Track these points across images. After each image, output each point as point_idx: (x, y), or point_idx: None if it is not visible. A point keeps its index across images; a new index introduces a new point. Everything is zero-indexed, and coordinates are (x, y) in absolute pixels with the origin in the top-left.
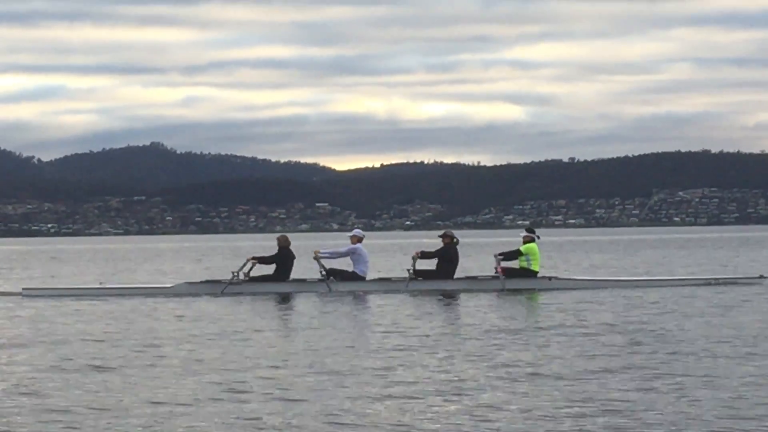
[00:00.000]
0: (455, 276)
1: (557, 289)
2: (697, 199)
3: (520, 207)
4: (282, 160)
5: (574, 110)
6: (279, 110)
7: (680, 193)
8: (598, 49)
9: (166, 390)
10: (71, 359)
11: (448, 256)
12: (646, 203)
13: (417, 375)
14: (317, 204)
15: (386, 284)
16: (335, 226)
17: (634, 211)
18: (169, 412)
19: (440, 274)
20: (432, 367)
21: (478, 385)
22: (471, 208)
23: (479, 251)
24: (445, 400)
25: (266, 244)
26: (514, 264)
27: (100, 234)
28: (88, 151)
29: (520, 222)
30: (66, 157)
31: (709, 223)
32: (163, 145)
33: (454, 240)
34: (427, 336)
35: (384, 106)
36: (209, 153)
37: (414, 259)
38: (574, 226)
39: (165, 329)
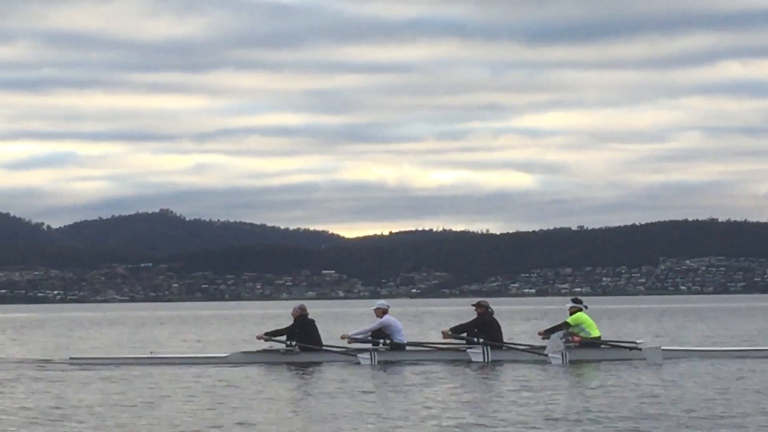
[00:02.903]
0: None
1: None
2: (704, 268)
3: (527, 275)
4: (291, 228)
5: (583, 178)
6: (289, 177)
7: (687, 261)
8: (607, 118)
9: None
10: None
11: (484, 325)
12: (653, 272)
13: None
14: (323, 271)
15: (447, 354)
16: (341, 294)
17: (640, 280)
18: None
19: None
20: None
21: None
22: (477, 276)
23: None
24: None
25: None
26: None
27: (105, 301)
28: (97, 218)
29: (525, 290)
30: (76, 223)
31: (715, 292)
32: (172, 212)
33: (489, 309)
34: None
35: (394, 174)
36: (218, 220)
37: (445, 335)
38: (580, 294)
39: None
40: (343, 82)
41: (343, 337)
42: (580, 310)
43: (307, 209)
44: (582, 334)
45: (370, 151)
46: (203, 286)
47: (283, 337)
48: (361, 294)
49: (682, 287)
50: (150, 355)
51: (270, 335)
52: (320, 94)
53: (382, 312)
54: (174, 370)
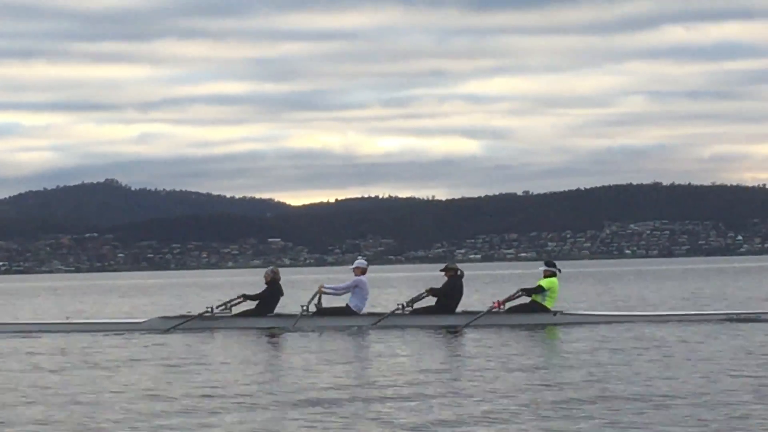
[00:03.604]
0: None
1: (565, 324)
2: (648, 232)
3: (472, 241)
4: (237, 196)
5: (529, 144)
6: (234, 146)
7: (631, 225)
8: (552, 83)
9: None
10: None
11: (452, 291)
12: (598, 236)
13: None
14: (269, 239)
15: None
16: (287, 262)
17: (585, 244)
18: None
19: (441, 309)
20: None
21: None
22: (423, 242)
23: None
24: None
25: (219, 280)
26: (524, 299)
27: (50, 271)
28: (42, 189)
29: (471, 256)
30: (20, 194)
31: (660, 255)
32: (117, 181)
33: (459, 272)
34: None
35: (339, 141)
36: (164, 189)
37: (427, 293)
38: (525, 259)
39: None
40: (288, 49)
41: (319, 288)
42: (554, 274)
43: (252, 177)
44: (538, 299)
45: (316, 119)
46: (149, 255)
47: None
48: (307, 261)
49: (627, 251)
50: (65, 321)
51: (249, 298)
52: (265, 62)
53: (360, 271)
54: (86, 336)
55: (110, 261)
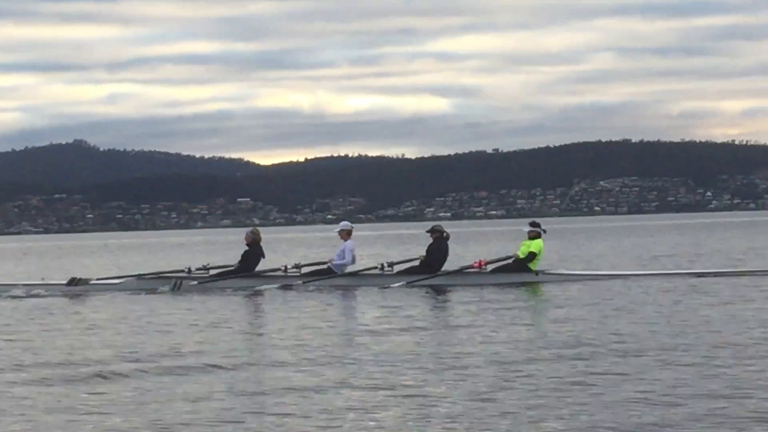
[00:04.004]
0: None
1: (547, 283)
2: (617, 188)
3: (442, 199)
4: (206, 156)
5: (499, 101)
6: (203, 106)
7: (601, 182)
8: (521, 40)
9: None
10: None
11: (437, 253)
12: (567, 193)
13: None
14: (239, 199)
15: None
16: (257, 221)
17: (555, 201)
18: None
19: (421, 269)
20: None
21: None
22: (393, 201)
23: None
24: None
25: (193, 239)
26: (508, 260)
27: (19, 233)
28: (10, 150)
29: (441, 214)
30: None
31: (629, 212)
32: (86, 142)
33: (444, 235)
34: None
35: (309, 100)
36: (133, 150)
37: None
38: (495, 217)
39: None
40: (257, 8)
41: (329, 262)
42: (540, 235)
43: (222, 137)
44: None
45: (285, 78)
46: (118, 216)
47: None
48: (277, 221)
49: (597, 208)
50: (41, 282)
51: (232, 270)
52: (234, 21)
53: (347, 234)
54: (64, 298)
55: (79, 222)
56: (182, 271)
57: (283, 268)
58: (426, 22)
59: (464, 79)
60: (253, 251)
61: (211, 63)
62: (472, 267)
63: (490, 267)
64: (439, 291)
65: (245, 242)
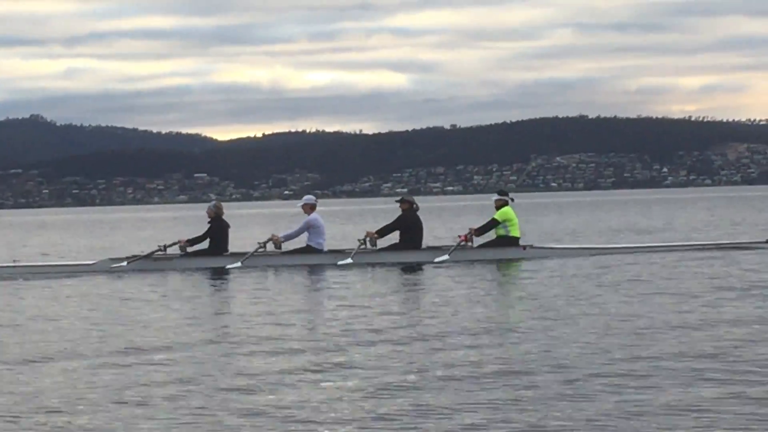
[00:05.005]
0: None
1: (537, 258)
2: (574, 165)
3: (399, 175)
4: (164, 131)
5: (457, 77)
6: (161, 81)
7: (557, 158)
8: (480, 16)
9: None
10: None
11: (407, 225)
12: (524, 169)
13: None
14: (195, 175)
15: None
16: (213, 197)
17: (511, 177)
18: None
19: (405, 245)
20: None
21: None
22: (350, 176)
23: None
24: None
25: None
26: (489, 235)
27: None
28: None
29: (398, 190)
30: None
31: (585, 188)
32: (43, 117)
33: (414, 206)
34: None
35: (267, 76)
36: (90, 125)
37: (371, 239)
38: (452, 193)
39: None
40: None
41: (275, 241)
42: (507, 203)
43: (180, 112)
44: (502, 233)
45: (243, 53)
46: (74, 191)
47: (206, 242)
48: (233, 197)
49: (553, 184)
50: (13, 264)
51: (191, 242)
52: None
53: (310, 208)
54: (38, 280)
55: (35, 197)
56: (158, 250)
57: (261, 245)
58: None
59: (422, 55)
60: (217, 224)
61: (169, 38)
62: (460, 242)
63: (477, 241)
64: (426, 269)
65: (208, 216)
